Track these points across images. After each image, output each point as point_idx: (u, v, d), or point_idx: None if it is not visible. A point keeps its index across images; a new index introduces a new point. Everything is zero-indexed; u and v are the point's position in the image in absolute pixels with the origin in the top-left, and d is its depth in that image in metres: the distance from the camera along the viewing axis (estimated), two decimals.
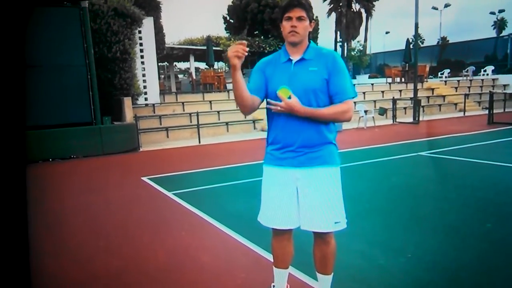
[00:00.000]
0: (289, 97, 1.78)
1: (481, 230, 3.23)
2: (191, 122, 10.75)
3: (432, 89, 16.17)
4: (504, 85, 17.23)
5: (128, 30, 9.42)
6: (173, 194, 4.72)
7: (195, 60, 17.65)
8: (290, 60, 1.88)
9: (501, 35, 31.86)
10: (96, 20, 8.91)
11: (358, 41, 27.50)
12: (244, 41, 1.77)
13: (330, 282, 2.05)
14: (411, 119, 12.34)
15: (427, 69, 18.51)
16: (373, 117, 11.69)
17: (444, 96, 15.74)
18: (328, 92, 1.86)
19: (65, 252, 3.14)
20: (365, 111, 11.53)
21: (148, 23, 10.67)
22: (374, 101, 13.73)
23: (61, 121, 7.99)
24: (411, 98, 13.15)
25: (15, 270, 1.91)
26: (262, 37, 18.97)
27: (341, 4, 29.13)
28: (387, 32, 42.59)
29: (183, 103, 11.55)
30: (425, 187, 4.74)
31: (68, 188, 5.49)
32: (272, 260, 2.12)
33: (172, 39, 18.38)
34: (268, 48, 17.79)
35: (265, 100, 1.96)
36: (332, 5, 30.33)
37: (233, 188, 5.08)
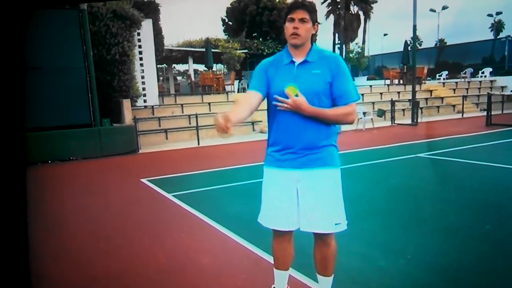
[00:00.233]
0: (296, 95, 1.77)
1: (481, 231, 3.24)
2: (190, 124, 10.75)
3: (430, 91, 16.23)
4: (502, 87, 17.30)
5: (127, 32, 9.43)
6: (173, 195, 4.72)
7: (193, 62, 17.67)
8: (292, 62, 1.88)
9: (498, 37, 32.00)
10: (95, 23, 8.92)
11: (356, 43, 27.63)
12: (226, 120, 1.67)
13: (331, 283, 2.05)
14: (409, 121, 12.37)
15: (425, 71, 18.58)
16: (371, 118, 11.72)
17: (442, 98, 15.79)
18: (331, 95, 1.86)
19: (65, 254, 3.13)
20: (364, 113, 11.55)
21: (147, 25, 10.67)
22: (373, 103, 13.75)
23: (60, 123, 7.98)
24: (409, 100, 13.19)
25: (15, 273, 1.90)
26: (260, 39, 19.02)
27: (339, 6, 29.25)
28: (385, 34, 42.72)
29: (182, 105, 11.55)
30: (424, 188, 4.76)
31: (68, 190, 5.48)
32: (272, 262, 2.12)
33: (171, 41, 18.35)
34: (266, 50, 17.84)
35: (264, 101, 1.96)
36: (330, 7, 30.45)
37: (233, 189, 5.09)
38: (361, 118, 11.39)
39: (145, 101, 11.10)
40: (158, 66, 15.48)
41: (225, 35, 21.93)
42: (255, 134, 11.10)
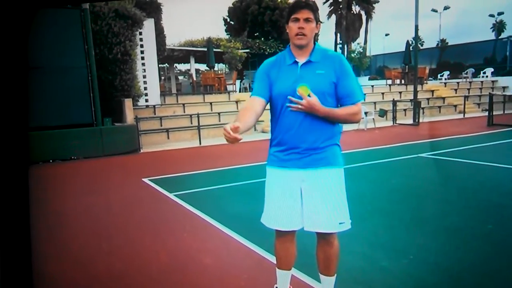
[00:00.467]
0: (309, 95, 1.76)
1: (483, 231, 3.23)
2: (191, 123, 10.76)
3: (432, 91, 16.20)
4: (504, 87, 17.26)
5: (129, 32, 9.44)
6: (174, 195, 4.72)
7: (195, 62, 17.67)
8: (296, 62, 1.87)
9: (500, 37, 31.91)
10: (97, 22, 8.92)
11: (358, 43, 27.59)
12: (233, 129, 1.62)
13: (333, 283, 2.04)
14: (411, 121, 12.35)
15: (427, 71, 18.55)
16: (373, 118, 11.71)
17: (443, 98, 15.76)
18: (336, 95, 1.86)
19: (66, 254, 3.13)
20: (365, 113, 11.53)
21: (149, 25, 10.68)
22: (374, 103, 13.74)
23: (62, 122, 7.99)
24: (411, 100, 13.17)
25: (18, 271, 1.91)
26: (262, 39, 19.01)
27: (341, 6, 29.21)
28: (386, 34, 42.58)
29: (183, 104, 11.56)
30: (426, 188, 4.75)
31: (69, 190, 5.49)
32: (275, 262, 2.12)
33: (172, 40, 18.37)
34: (268, 50, 17.83)
35: (266, 102, 1.95)
36: (332, 7, 30.41)
37: (235, 189, 5.09)
38: (362, 118, 11.37)
39: (146, 100, 11.11)
40: (159, 65, 15.49)
41: (227, 34, 21.94)
42: (257, 133, 11.09)
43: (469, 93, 16.61)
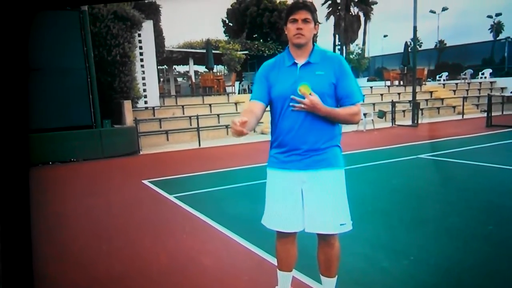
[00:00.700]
0: (310, 95, 1.77)
1: (484, 232, 3.24)
2: (191, 125, 10.76)
3: (431, 92, 16.24)
4: (502, 88, 17.31)
5: (127, 34, 9.44)
6: (174, 197, 4.72)
7: (194, 64, 17.67)
8: (295, 63, 1.88)
9: (498, 38, 32.04)
10: (96, 24, 8.92)
11: (356, 45, 27.66)
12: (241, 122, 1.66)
13: (334, 285, 2.05)
14: (410, 122, 12.38)
15: (426, 72, 18.59)
16: (372, 120, 11.72)
17: (442, 99, 15.80)
18: (336, 96, 1.87)
19: (67, 255, 3.13)
20: (364, 114, 11.54)
21: (147, 27, 10.69)
22: (373, 104, 13.75)
23: (61, 124, 7.97)
24: (409, 101, 13.20)
25: (19, 273, 1.90)
26: (261, 40, 19.02)
27: (339, 7, 29.28)
28: (385, 36, 42.72)
29: (183, 106, 11.56)
30: (426, 189, 4.76)
31: (69, 192, 5.48)
32: (275, 263, 2.12)
33: (171, 42, 18.36)
34: (267, 52, 17.84)
35: (266, 105, 1.96)
36: (330, 9, 30.47)
37: (234, 191, 5.09)
38: (361, 119, 11.39)
39: (146, 102, 11.10)
40: (158, 67, 15.48)
41: (226, 36, 21.95)
42: (256, 135, 11.09)
43: (467, 94, 16.64)
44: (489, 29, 38.83)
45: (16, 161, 1.89)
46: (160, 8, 14.66)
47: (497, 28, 38.02)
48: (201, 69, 19.92)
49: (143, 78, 11.01)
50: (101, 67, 8.92)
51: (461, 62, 25.05)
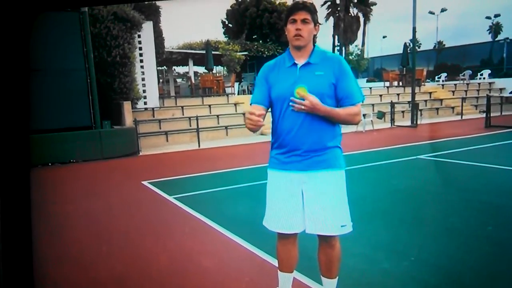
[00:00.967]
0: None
1: (483, 232, 3.25)
2: (190, 126, 10.76)
3: (430, 93, 16.27)
4: (501, 89, 17.35)
5: (127, 35, 9.44)
6: (174, 198, 4.72)
7: (194, 64, 17.67)
8: (295, 64, 1.89)
9: (496, 39, 32.09)
10: (96, 25, 8.92)
11: (356, 45, 27.68)
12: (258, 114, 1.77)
13: (335, 286, 2.05)
14: (409, 123, 12.40)
15: (425, 73, 18.62)
16: (371, 120, 11.74)
17: (441, 100, 15.83)
18: (336, 96, 1.87)
19: (68, 257, 3.12)
20: (364, 115, 11.56)
21: (147, 28, 10.69)
22: (372, 105, 13.77)
23: (61, 125, 7.96)
24: (409, 102, 13.22)
25: (20, 275, 1.90)
26: (260, 41, 19.03)
27: (339, 8, 29.32)
28: (384, 37, 42.84)
29: (182, 107, 11.56)
30: (426, 190, 4.77)
31: (69, 193, 5.48)
32: (276, 264, 2.13)
33: (171, 43, 18.36)
34: (266, 53, 17.83)
35: (267, 108, 1.97)
36: (330, 10, 30.51)
37: (234, 192, 5.09)
38: (361, 120, 11.39)
39: (145, 103, 11.11)
40: (158, 68, 15.48)
41: (225, 37, 21.94)
42: (256, 136, 11.09)
43: (466, 95, 16.68)
44: (487, 30, 38.90)
45: (17, 162, 1.89)
46: (160, 9, 14.65)
47: (495, 29, 38.09)
48: (201, 70, 19.92)
49: (143, 79, 11.02)
50: (101, 68, 8.92)
51: (460, 63, 25.13)
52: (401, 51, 17.49)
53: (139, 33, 10.19)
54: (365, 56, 27.89)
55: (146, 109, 10.96)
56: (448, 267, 2.63)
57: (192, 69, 17.81)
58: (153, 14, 13.29)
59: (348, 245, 2.30)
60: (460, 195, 4.45)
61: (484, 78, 19.26)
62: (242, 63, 16.70)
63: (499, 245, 2.98)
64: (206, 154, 8.70)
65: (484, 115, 11.39)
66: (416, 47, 16.81)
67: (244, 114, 11.70)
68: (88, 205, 4.69)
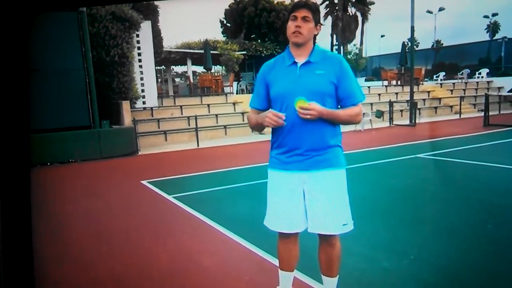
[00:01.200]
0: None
1: (483, 231, 3.26)
2: (189, 125, 10.75)
3: (428, 92, 16.29)
4: (499, 88, 17.39)
5: (126, 34, 9.43)
6: (173, 197, 4.72)
7: (192, 64, 17.65)
8: (295, 63, 1.88)
9: (494, 38, 32.16)
10: (94, 24, 8.91)
11: (354, 45, 27.70)
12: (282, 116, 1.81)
13: (336, 284, 2.05)
14: (407, 122, 12.43)
15: (423, 72, 18.65)
16: (370, 119, 11.75)
17: (439, 99, 15.86)
18: (337, 96, 1.88)
19: (68, 257, 3.12)
20: (363, 114, 11.58)
21: (146, 27, 10.68)
22: (371, 104, 13.79)
23: (59, 125, 7.95)
24: (407, 101, 13.24)
25: (20, 274, 1.90)
26: (259, 40, 19.02)
27: (337, 7, 29.31)
28: (382, 36, 42.87)
29: (181, 106, 11.55)
30: (425, 188, 4.78)
31: (68, 193, 5.47)
32: (276, 263, 2.13)
33: (169, 43, 18.30)
34: (265, 52, 17.83)
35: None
36: (328, 9, 30.49)
37: (233, 191, 5.09)
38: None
39: (144, 102, 11.10)
40: (156, 67, 15.45)
41: (224, 36, 21.92)
42: (254, 135, 11.10)
43: (464, 93, 16.71)
44: (485, 29, 38.98)
45: (17, 162, 1.89)
46: (158, 9, 14.62)
47: (493, 28, 38.16)
48: (199, 69, 19.91)
49: (141, 79, 11.00)
50: (100, 68, 8.91)
51: (458, 62, 25.18)
52: (399, 50, 17.51)
53: (137, 32, 10.18)
54: (363, 55, 27.92)
55: (144, 108, 10.95)
56: (447, 265, 2.63)
57: (190, 68, 17.80)
58: (151, 14, 13.25)
59: (348, 244, 2.31)
60: (459, 193, 4.47)
61: (482, 77, 19.29)
62: (241, 63, 16.70)
63: (498, 243, 2.99)
64: (205, 154, 8.69)
65: (482, 113, 11.41)
66: (414, 46, 16.85)
67: (243, 113, 11.72)
68: (88, 204, 4.68)
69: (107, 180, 6.38)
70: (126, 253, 3.12)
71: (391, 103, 12.81)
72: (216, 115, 11.44)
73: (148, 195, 5.04)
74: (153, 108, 11.01)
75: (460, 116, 14.13)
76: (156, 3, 14.16)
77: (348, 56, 24.90)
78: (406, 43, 16.93)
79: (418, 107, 13.29)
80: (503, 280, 2.45)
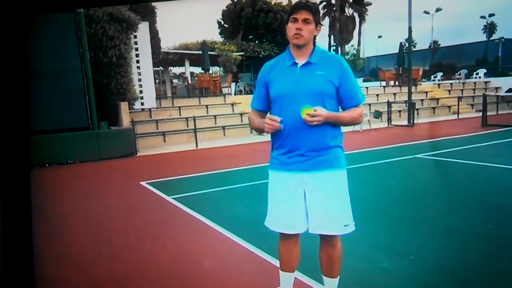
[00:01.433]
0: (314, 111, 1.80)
1: (482, 231, 3.26)
2: (187, 126, 10.74)
3: (426, 92, 16.34)
4: (496, 88, 17.46)
5: (123, 35, 9.42)
6: (173, 198, 4.71)
7: (190, 65, 17.63)
8: (295, 63, 1.89)
9: (491, 38, 32.32)
10: (92, 25, 8.89)
11: (351, 45, 27.76)
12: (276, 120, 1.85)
13: (337, 285, 2.05)
14: (406, 122, 12.45)
15: (421, 72, 18.71)
16: (368, 120, 11.77)
17: (437, 99, 15.90)
18: (339, 97, 1.88)
19: (67, 259, 3.11)
20: None
21: (143, 28, 10.67)
22: (369, 105, 13.80)
23: (58, 126, 7.92)
24: (405, 101, 13.27)
25: (20, 276, 1.89)
26: (256, 41, 19.02)
27: (334, 8, 29.38)
28: (379, 36, 42.93)
29: (179, 107, 11.54)
30: (424, 189, 4.79)
31: (67, 194, 5.45)
32: (276, 264, 2.13)
33: (167, 44, 18.27)
34: (263, 53, 17.83)
35: (267, 111, 2.02)
36: (325, 10, 30.57)
37: (233, 191, 5.08)
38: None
39: (142, 104, 11.08)
40: (154, 68, 15.44)
41: (221, 37, 21.90)
42: (253, 136, 11.10)
43: (462, 94, 16.76)
44: (482, 30, 39.17)
45: (17, 163, 1.89)
46: (155, 10, 14.61)
47: (490, 28, 38.36)
48: (197, 70, 19.90)
49: (139, 80, 10.99)
50: (97, 69, 8.89)
51: (456, 62, 25.28)
52: (396, 51, 17.57)
53: (135, 33, 10.16)
54: (361, 55, 28.00)
55: (143, 109, 10.93)
56: (447, 265, 2.64)
57: (188, 69, 17.79)
58: (149, 15, 13.24)
59: (348, 244, 2.31)
60: (458, 193, 4.48)
61: (479, 77, 19.37)
62: (239, 63, 16.69)
63: (498, 243, 3.00)
64: (203, 155, 8.69)
65: (480, 114, 11.45)
66: (412, 47, 16.87)
67: (241, 114, 11.72)
68: (87, 206, 4.67)
69: (107, 181, 6.36)
70: (126, 254, 3.11)
71: (389, 104, 12.83)
72: (215, 116, 11.43)
73: (148, 196, 5.02)
74: (152, 109, 10.99)
75: (458, 116, 14.17)
76: (153, 4, 14.15)
77: (346, 57, 24.93)
78: (403, 43, 17.02)
79: (416, 107, 13.31)
80: (503, 280, 2.46)
